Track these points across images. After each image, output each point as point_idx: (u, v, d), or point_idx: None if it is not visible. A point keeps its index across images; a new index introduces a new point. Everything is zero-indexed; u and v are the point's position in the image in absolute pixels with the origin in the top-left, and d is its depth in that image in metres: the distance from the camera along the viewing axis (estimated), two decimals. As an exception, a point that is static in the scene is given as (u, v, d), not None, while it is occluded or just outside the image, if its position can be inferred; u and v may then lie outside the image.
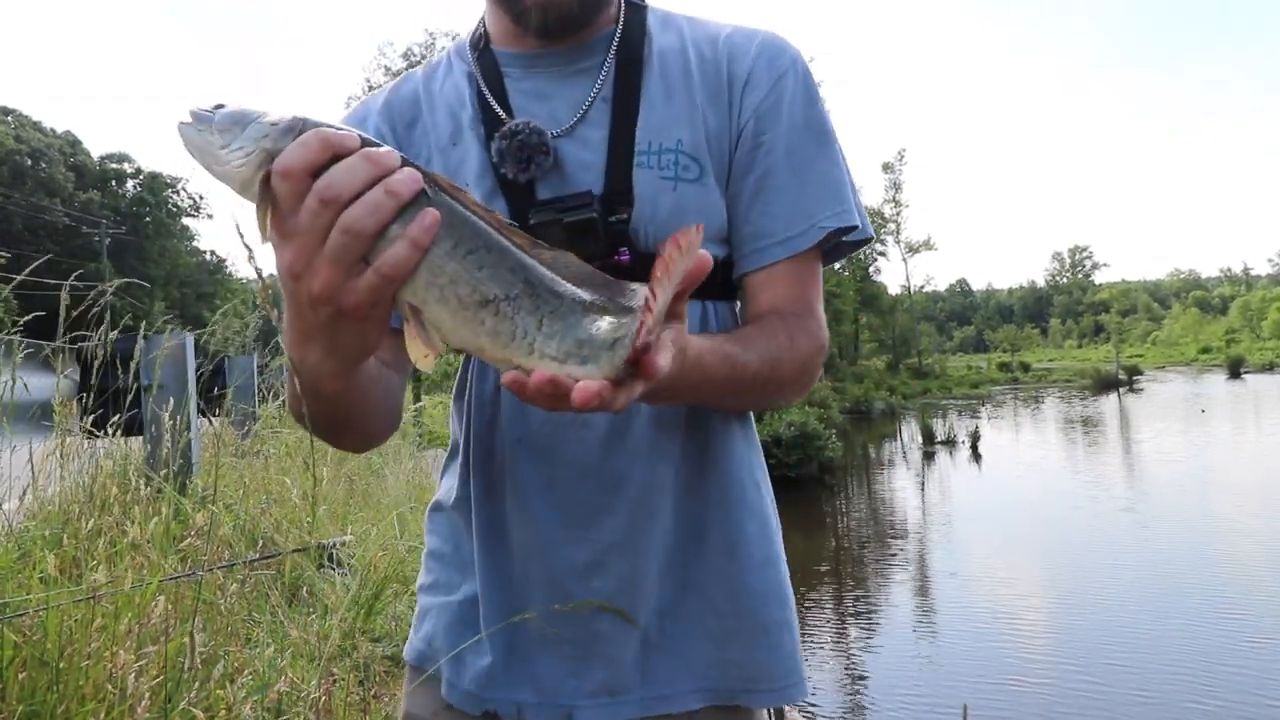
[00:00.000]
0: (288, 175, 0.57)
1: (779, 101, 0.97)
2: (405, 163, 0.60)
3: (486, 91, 0.98)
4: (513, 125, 0.93)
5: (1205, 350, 75.66)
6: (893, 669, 6.61)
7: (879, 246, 51.16)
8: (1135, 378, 45.57)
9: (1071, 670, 6.24)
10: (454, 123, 1.00)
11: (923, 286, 62.03)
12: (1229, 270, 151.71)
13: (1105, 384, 41.46)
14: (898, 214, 52.23)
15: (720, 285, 0.98)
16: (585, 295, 0.62)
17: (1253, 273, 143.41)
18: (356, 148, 0.59)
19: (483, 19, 1.04)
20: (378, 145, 0.60)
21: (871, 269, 51.76)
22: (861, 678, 6.51)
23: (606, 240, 0.89)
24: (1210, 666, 6.12)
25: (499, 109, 0.97)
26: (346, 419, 0.83)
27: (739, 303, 1.00)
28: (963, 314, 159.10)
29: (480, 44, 1.02)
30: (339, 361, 0.70)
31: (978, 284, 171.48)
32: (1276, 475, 13.91)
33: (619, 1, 1.01)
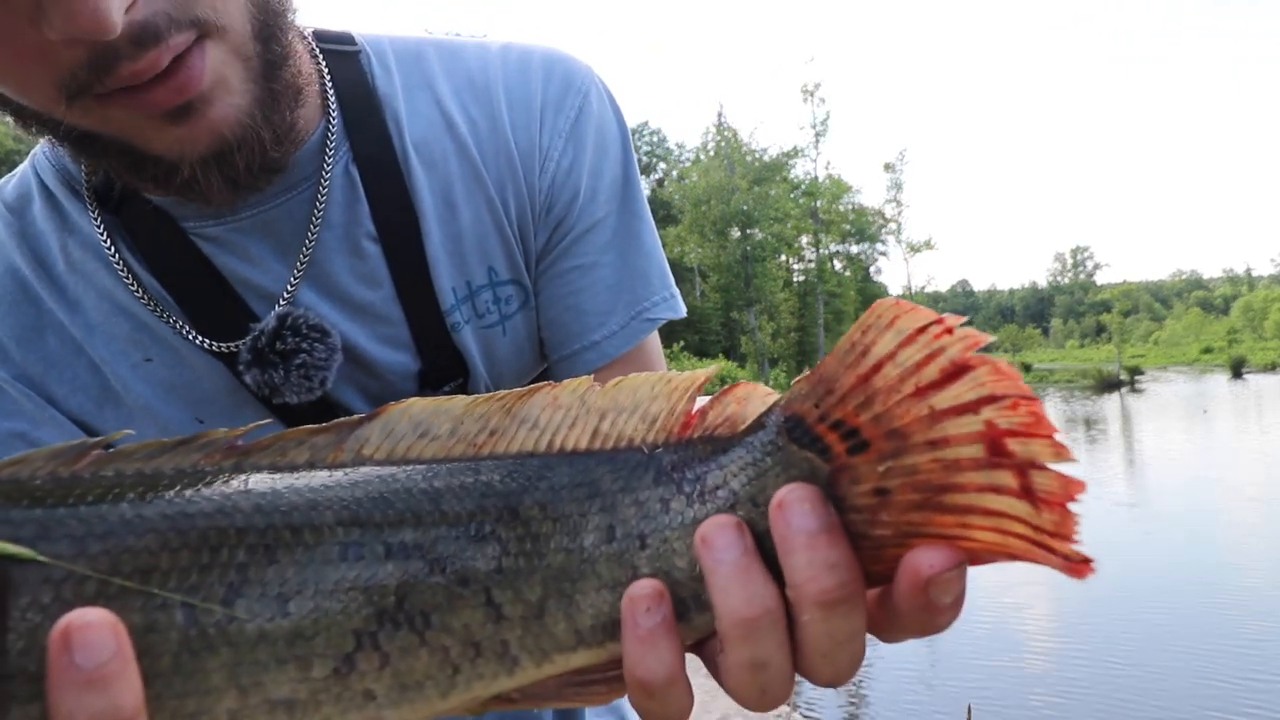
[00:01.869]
0: None
1: (579, 158, 0.74)
2: None
3: (179, 272, 0.65)
4: (266, 327, 0.63)
5: (1207, 350, 75.45)
6: (896, 669, 6.59)
7: (880, 246, 51.20)
8: (1137, 378, 45.53)
9: (1075, 669, 6.21)
10: (132, 322, 0.66)
11: (924, 287, 62.06)
12: (1231, 270, 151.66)
13: (1107, 384, 41.41)
14: (899, 214, 52.16)
15: None
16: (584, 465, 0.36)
17: (1254, 273, 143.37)
18: None
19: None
20: None
21: (873, 269, 51.78)
22: (862, 678, 6.48)
23: None
24: (1215, 665, 6.09)
25: (219, 299, 0.65)
26: None
27: None
28: (964, 314, 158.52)
29: (116, 190, 0.66)
30: None
31: (979, 284, 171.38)
32: (1278, 474, 13.86)
33: (313, 84, 0.68)
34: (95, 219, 0.66)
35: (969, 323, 0.33)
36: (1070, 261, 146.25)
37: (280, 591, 0.30)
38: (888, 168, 52.82)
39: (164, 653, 0.28)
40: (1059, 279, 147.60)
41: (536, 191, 0.73)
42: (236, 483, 0.31)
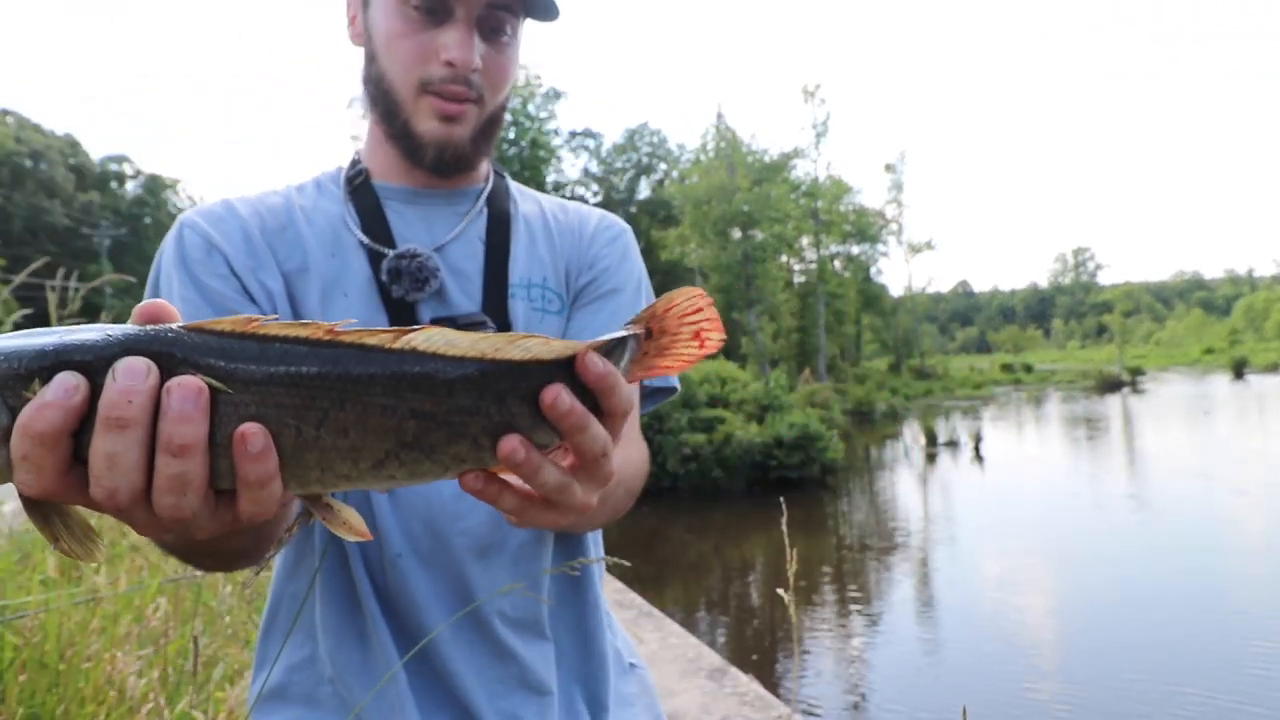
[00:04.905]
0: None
1: (613, 256, 1.18)
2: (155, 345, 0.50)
3: (370, 215, 1.09)
4: (408, 248, 1.05)
5: (1209, 351, 75.45)
6: (894, 671, 6.60)
7: (880, 247, 51.08)
8: (1138, 378, 45.54)
9: (1073, 673, 6.22)
10: (334, 235, 1.08)
11: (925, 287, 61.89)
12: (1232, 271, 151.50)
13: (1108, 385, 41.42)
14: (899, 215, 52.03)
15: None
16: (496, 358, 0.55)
17: (1256, 273, 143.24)
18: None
19: (356, 159, 1.16)
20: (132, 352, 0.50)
21: (873, 270, 51.66)
22: (863, 679, 6.50)
23: None
24: (1214, 668, 6.10)
25: (384, 232, 1.08)
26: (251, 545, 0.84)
27: None
28: (965, 315, 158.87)
29: (358, 179, 1.12)
30: (228, 546, 0.81)
31: (980, 285, 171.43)
32: (1278, 475, 13.86)
33: (489, 167, 1.20)
34: (345, 196, 1.11)
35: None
36: (1071, 262, 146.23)
37: (344, 425, 0.52)
38: (888, 168, 52.73)
39: (287, 445, 0.51)
40: (1060, 279, 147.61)
41: (585, 261, 1.17)
42: (329, 354, 0.52)
